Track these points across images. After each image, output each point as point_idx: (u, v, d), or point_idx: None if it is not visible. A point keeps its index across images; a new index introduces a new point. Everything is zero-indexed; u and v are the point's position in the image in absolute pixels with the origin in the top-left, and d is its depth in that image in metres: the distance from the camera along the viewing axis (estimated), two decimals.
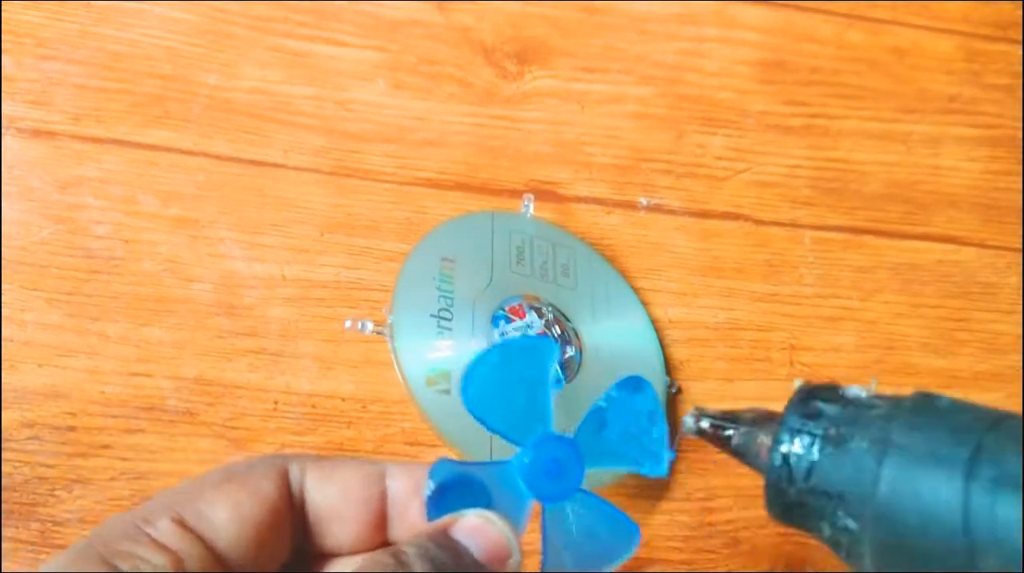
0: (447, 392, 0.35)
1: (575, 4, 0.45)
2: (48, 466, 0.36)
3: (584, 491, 0.24)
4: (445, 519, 0.22)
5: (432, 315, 0.36)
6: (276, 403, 0.38)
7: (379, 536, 0.24)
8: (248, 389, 0.37)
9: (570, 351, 0.38)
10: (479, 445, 0.34)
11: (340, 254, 0.40)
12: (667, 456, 0.23)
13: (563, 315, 0.39)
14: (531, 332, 0.37)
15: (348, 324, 0.37)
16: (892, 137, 0.46)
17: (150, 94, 0.40)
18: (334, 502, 0.23)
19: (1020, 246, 0.46)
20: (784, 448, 0.18)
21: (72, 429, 0.36)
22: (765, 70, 0.46)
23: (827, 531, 0.18)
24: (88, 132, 0.39)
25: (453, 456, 0.36)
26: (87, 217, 0.38)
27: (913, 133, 0.47)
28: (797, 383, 0.20)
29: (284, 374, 0.38)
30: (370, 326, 0.37)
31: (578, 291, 0.40)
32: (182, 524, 0.20)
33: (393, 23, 0.43)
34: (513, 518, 0.23)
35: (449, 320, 0.36)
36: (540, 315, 0.38)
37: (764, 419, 0.20)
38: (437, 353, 0.36)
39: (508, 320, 0.37)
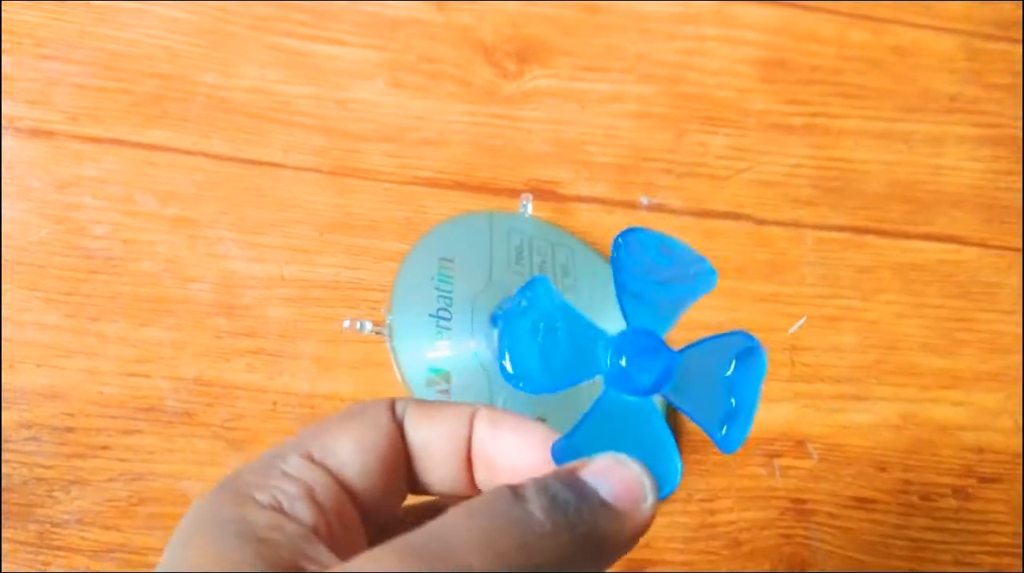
0: (446, 392, 0.35)
1: (575, 3, 0.45)
2: (46, 467, 0.36)
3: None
4: (573, 463, 0.20)
5: (431, 315, 0.36)
6: (275, 404, 0.37)
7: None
8: (247, 390, 0.37)
9: None
10: None
11: (339, 254, 0.40)
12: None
13: None
14: None
15: (347, 324, 0.37)
16: (894, 136, 0.46)
17: (149, 94, 0.40)
18: (426, 441, 0.23)
19: (1021, 246, 0.46)
20: None
21: (70, 430, 0.36)
22: (766, 69, 0.46)
23: None
24: (87, 132, 0.39)
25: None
26: (86, 217, 0.38)
27: (915, 132, 0.46)
28: None
29: (283, 374, 0.38)
30: (369, 326, 0.37)
31: (578, 291, 0.40)
32: (311, 458, 0.21)
33: (393, 22, 0.43)
34: (661, 467, 0.21)
35: (448, 320, 0.36)
36: None
37: None
38: (436, 353, 0.36)
39: None
